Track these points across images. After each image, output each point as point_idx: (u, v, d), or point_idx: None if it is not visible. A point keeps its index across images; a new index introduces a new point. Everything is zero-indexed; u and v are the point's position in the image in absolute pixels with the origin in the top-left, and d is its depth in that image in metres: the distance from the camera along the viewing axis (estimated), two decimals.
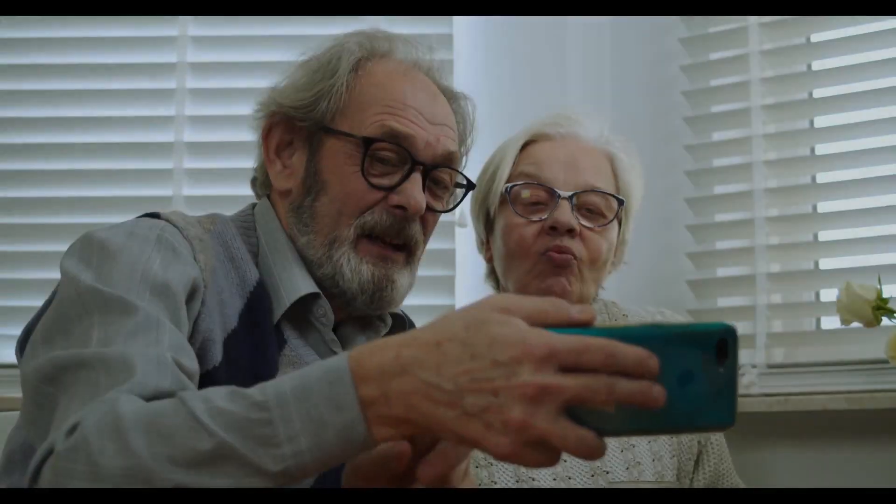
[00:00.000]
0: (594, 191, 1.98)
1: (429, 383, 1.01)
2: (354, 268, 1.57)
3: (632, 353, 0.97)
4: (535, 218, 1.97)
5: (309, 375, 1.07)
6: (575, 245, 1.95)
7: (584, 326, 1.03)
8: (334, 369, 1.06)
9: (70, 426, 1.10)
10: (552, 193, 1.96)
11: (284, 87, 1.68)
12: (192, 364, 1.32)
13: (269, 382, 1.08)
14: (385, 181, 1.59)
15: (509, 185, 2.00)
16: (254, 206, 1.70)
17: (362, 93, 1.63)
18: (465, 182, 1.72)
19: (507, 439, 0.98)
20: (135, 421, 1.07)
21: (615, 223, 2.02)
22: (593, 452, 0.98)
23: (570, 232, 1.94)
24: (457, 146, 1.70)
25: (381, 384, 1.03)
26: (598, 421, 0.99)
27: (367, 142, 1.58)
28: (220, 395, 1.08)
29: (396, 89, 1.63)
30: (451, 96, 1.74)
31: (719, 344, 1.01)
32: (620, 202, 2.00)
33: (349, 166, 1.59)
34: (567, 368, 0.98)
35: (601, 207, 1.99)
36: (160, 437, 1.06)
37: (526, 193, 2.00)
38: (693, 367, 1.00)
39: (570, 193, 1.95)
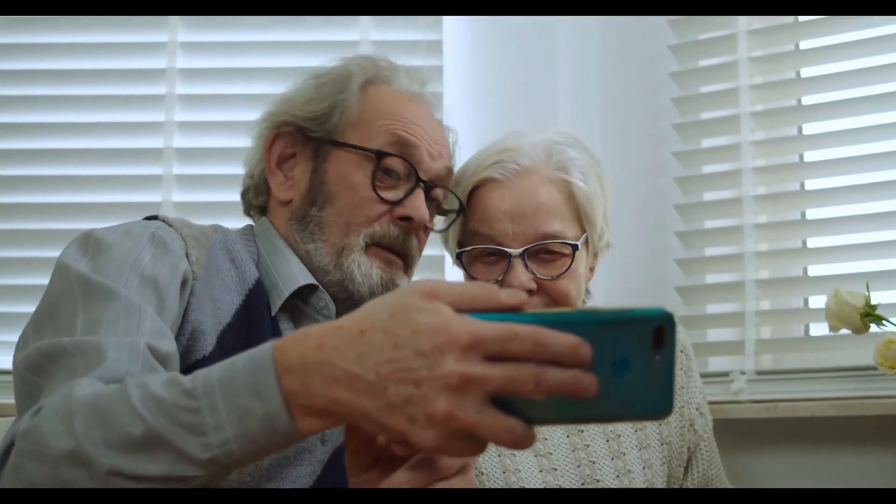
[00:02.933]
0: (546, 240, 1.87)
1: (350, 373, 0.99)
2: (365, 272, 1.65)
3: (562, 341, 0.95)
4: (491, 280, 1.87)
5: (236, 364, 1.07)
6: (537, 302, 1.87)
7: (514, 311, 0.99)
8: (258, 358, 1.05)
9: (36, 409, 1.14)
10: (502, 253, 1.88)
11: (294, 98, 1.76)
12: (170, 347, 1.37)
13: (203, 370, 1.09)
14: (391, 195, 1.69)
15: (459, 250, 1.93)
16: (251, 226, 1.78)
17: (371, 109, 1.73)
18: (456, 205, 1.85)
19: (432, 432, 0.96)
20: (83, 405, 1.10)
21: (582, 253, 1.93)
22: (521, 442, 0.96)
23: (529, 292, 1.86)
24: (453, 166, 1.82)
25: (303, 375, 1.02)
26: (528, 409, 0.97)
27: (380, 155, 1.68)
28: (158, 381, 1.10)
29: (403, 108, 1.74)
30: (443, 127, 1.84)
31: (656, 331, 0.97)
32: (575, 247, 1.88)
33: (357, 177, 1.68)
34: (493, 357, 0.95)
35: (558, 249, 1.89)
36: (99, 421, 1.08)
37: (478, 251, 1.90)
38: (627, 355, 0.97)
39: (520, 250, 1.86)
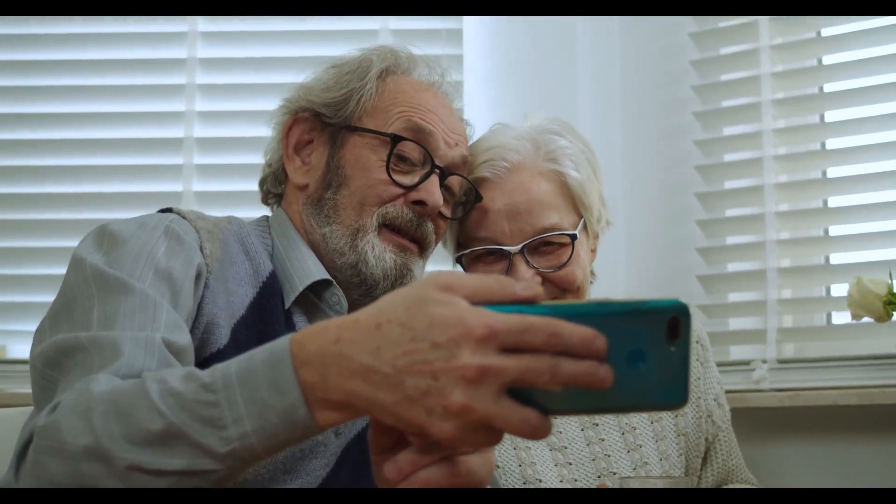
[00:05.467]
0: (544, 234, 1.85)
1: (367, 367, 1.00)
2: (378, 255, 1.66)
3: (577, 332, 0.96)
4: None
5: (254, 357, 1.07)
6: (546, 293, 1.84)
7: (530, 303, 1.00)
8: (276, 351, 1.06)
9: (53, 405, 1.15)
10: (502, 252, 1.86)
11: (312, 85, 1.77)
12: (185, 340, 1.38)
13: (221, 364, 1.09)
14: (406, 179, 1.69)
15: (457, 254, 1.92)
16: (267, 217, 1.79)
17: (388, 97, 1.74)
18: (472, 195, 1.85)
19: (449, 424, 0.97)
20: (101, 401, 1.11)
21: (582, 239, 1.91)
22: (537, 432, 0.97)
23: None
24: (468, 155, 1.81)
25: (321, 368, 1.03)
26: (544, 399, 0.97)
27: (395, 139, 1.68)
28: (176, 376, 1.10)
29: (420, 96, 1.75)
30: (461, 119, 1.85)
31: (671, 322, 0.98)
32: (574, 237, 1.87)
33: (372, 161, 1.69)
34: (509, 349, 0.96)
35: (558, 240, 1.87)
36: (119, 416, 1.09)
37: (478, 252, 1.89)
38: (642, 346, 0.97)
39: (519, 247, 1.84)
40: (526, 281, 1.02)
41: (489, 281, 1.01)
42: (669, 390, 0.99)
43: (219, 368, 1.08)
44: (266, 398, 1.04)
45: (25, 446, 1.15)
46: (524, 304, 1.00)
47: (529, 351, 0.96)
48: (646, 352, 0.98)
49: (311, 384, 1.03)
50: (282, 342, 1.06)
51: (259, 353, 1.07)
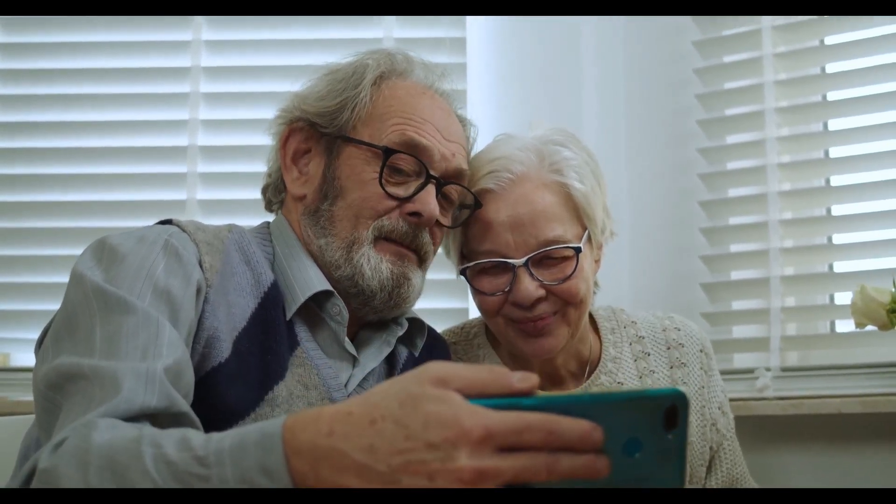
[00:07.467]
0: (548, 247, 1.82)
1: (361, 464, 0.99)
2: (374, 266, 1.64)
3: (574, 428, 0.95)
4: (497, 293, 1.84)
5: (247, 438, 1.07)
6: (547, 307, 1.85)
7: (526, 395, 0.99)
8: (268, 435, 1.06)
9: (56, 442, 1.17)
10: (506, 265, 1.83)
11: (307, 94, 1.75)
12: (185, 359, 1.38)
13: (216, 435, 1.10)
14: (401, 191, 1.67)
15: (461, 267, 1.90)
16: (268, 224, 1.77)
17: (383, 105, 1.70)
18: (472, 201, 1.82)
19: None
20: (98, 455, 1.12)
21: (586, 250, 1.88)
22: None
23: (539, 299, 1.83)
24: (467, 164, 1.79)
25: (312, 460, 1.02)
26: (541, 488, 0.97)
27: (388, 152, 1.65)
28: (172, 442, 1.11)
29: (416, 104, 1.71)
30: (461, 120, 1.82)
31: (668, 411, 0.98)
32: (578, 249, 1.84)
33: (367, 174, 1.66)
34: (506, 448, 0.95)
35: (562, 253, 1.84)
36: (114, 476, 1.10)
37: (482, 265, 1.86)
38: (639, 435, 0.97)
39: (523, 260, 1.81)
40: (522, 372, 1.00)
41: (483, 374, 1.00)
42: (666, 477, 0.99)
43: (213, 441, 1.09)
44: (256, 480, 1.05)
45: (29, 477, 1.16)
46: (520, 395, 0.99)
47: (527, 448, 0.96)
48: (642, 441, 0.98)
49: (302, 473, 1.03)
50: (274, 426, 1.06)
51: (252, 434, 1.07)
